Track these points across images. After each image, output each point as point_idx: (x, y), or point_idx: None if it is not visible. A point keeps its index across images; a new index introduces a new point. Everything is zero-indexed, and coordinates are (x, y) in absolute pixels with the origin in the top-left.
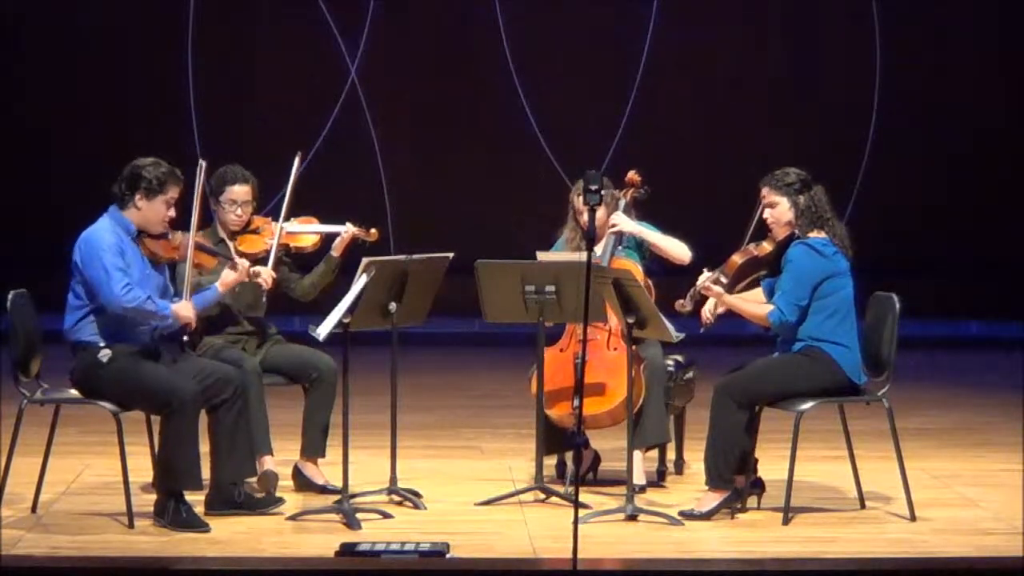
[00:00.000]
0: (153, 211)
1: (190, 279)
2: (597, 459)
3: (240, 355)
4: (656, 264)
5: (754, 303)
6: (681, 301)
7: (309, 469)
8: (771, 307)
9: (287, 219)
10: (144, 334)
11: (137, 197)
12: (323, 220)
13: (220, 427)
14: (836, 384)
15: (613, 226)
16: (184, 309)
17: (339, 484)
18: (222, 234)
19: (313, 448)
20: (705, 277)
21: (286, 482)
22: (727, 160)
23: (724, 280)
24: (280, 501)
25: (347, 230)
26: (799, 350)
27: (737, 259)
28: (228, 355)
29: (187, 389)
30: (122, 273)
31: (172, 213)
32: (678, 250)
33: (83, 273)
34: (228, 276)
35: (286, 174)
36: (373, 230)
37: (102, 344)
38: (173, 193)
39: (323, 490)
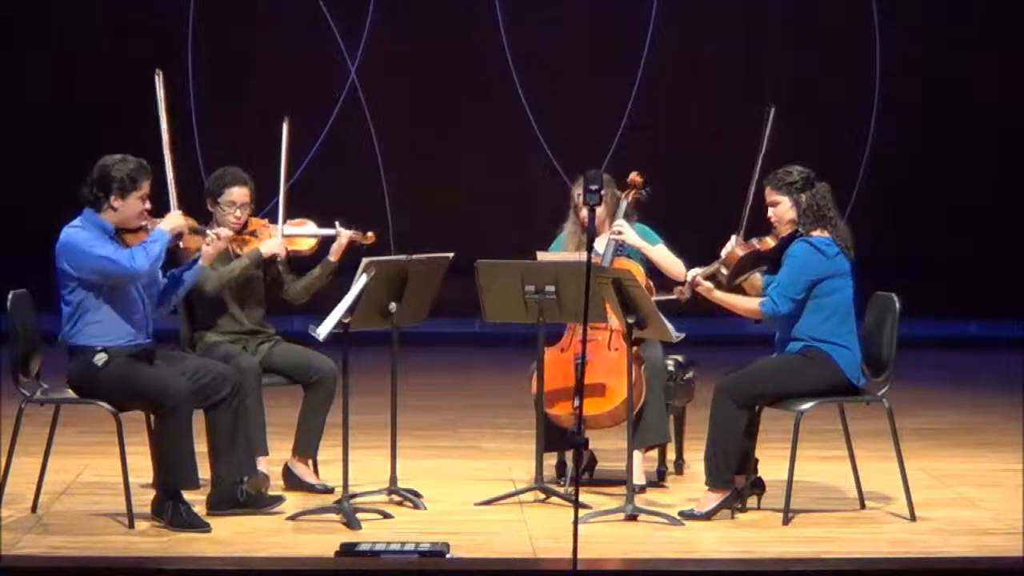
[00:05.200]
0: (130, 208)
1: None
2: (593, 460)
3: (238, 353)
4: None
5: (744, 297)
6: (680, 288)
7: (299, 468)
8: (762, 299)
9: (284, 220)
10: (140, 334)
11: (112, 198)
12: (322, 221)
13: (218, 425)
14: (836, 385)
15: (618, 232)
16: (171, 221)
17: (336, 483)
18: None
19: (305, 447)
20: (700, 270)
21: (279, 482)
22: (727, 160)
23: (724, 272)
24: (281, 499)
25: (343, 233)
26: (799, 350)
27: (739, 252)
28: (226, 353)
29: (179, 389)
30: (115, 249)
31: (148, 206)
32: (675, 268)
33: (82, 274)
34: (207, 250)
35: (288, 179)
36: (370, 233)
37: (98, 348)
38: (146, 187)
39: (314, 489)
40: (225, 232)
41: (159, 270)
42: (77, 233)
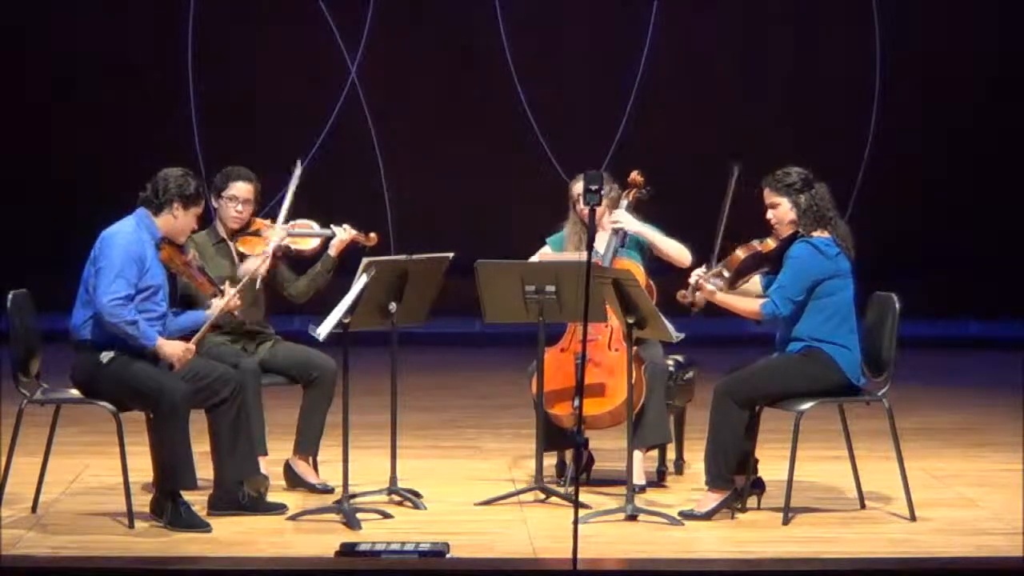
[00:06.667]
0: (185, 221)
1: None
2: (591, 460)
3: (239, 354)
4: (656, 264)
5: (745, 299)
6: (683, 292)
7: (300, 467)
8: (763, 300)
9: (285, 222)
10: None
11: (175, 205)
12: (323, 221)
13: (220, 427)
14: (836, 385)
15: (615, 222)
16: (170, 347)
17: (336, 483)
18: (222, 233)
19: (306, 446)
20: (703, 271)
21: (280, 482)
22: (727, 159)
23: (726, 274)
24: (283, 506)
25: (346, 230)
26: (799, 350)
27: (740, 254)
28: (227, 354)
29: (176, 389)
30: (125, 285)
31: (195, 226)
32: (679, 253)
33: (95, 264)
34: (217, 305)
35: (286, 175)
36: (372, 234)
37: (106, 345)
38: (201, 207)
39: (314, 488)
40: (230, 292)
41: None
42: (127, 239)
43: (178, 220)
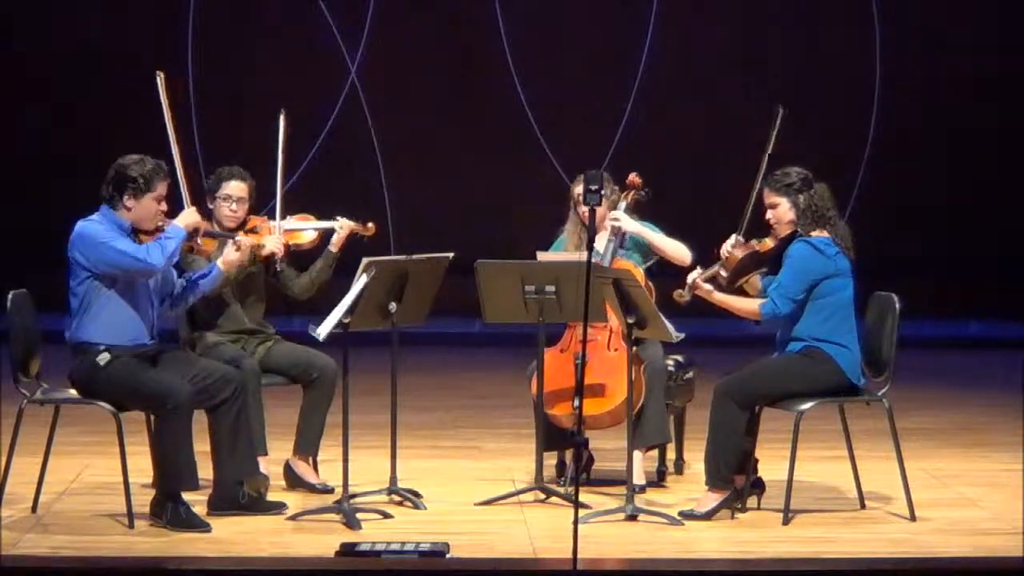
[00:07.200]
0: (143, 209)
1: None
2: (591, 460)
3: (240, 354)
4: (655, 264)
5: (744, 299)
6: (679, 291)
7: (300, 467)
8: (762, 300)
9: (283, 217)
10: (144, 335)
11: (125, 198)
12: (321, 219)
13: (220, 427)
14: (836, 385)
15: (615, 220)
16: (186, 218)
17: (336, 483)
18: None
19: (306, 446)
20: (700, 271)
21: (280, 482)
22: (727, 159)
23: (724, 274)
24: (283, 505)
25: (343, 224)
26: (799, 350)
27: (738, 253)
28: (227, 354)
29: (181, 391)
30: (132, 244)
31: (164, 207)
32: (679, 251)
33: (95, 266)
34: (230, 255)
35: (286, 173)
36: (370, 224)
37: (102, 347)
38: (161, 189)
39: (314, 488)
40: (246, 241)
41: (174, 271)
42: (94, 225)
43: (134, 211)
